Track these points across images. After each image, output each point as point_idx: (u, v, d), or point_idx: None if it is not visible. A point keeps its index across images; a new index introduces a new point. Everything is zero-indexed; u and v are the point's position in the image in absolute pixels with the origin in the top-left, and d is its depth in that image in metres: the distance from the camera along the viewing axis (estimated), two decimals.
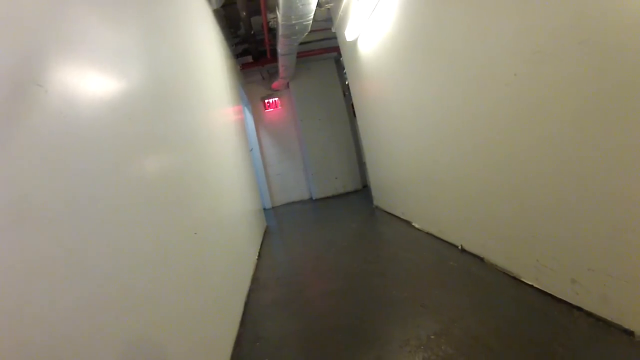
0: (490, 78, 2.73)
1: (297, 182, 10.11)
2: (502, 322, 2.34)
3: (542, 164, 2.39)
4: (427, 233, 4.54)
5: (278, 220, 7.92)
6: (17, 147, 0.86)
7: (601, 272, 2.06)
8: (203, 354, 1.95)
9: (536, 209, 2.52)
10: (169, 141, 2.04)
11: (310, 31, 6.04)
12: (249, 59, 8.55)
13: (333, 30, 7.12)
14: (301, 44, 7.53)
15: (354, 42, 6.07)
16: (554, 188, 2.31)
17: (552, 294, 2.46)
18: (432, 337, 2.32)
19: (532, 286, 2.64)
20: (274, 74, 9.33)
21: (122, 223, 1.27)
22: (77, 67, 1.16)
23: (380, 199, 6.76)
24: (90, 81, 1.21)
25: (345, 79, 9.05)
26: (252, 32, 6.85)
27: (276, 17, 5.44)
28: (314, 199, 9.78)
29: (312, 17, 5.12)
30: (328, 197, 9.53)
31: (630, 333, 1.92)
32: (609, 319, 2.05)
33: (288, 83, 9.54)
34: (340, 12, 6.20)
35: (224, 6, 5.33)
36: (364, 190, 9.46)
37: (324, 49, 8.98)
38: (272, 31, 6.94)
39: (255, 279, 4.03)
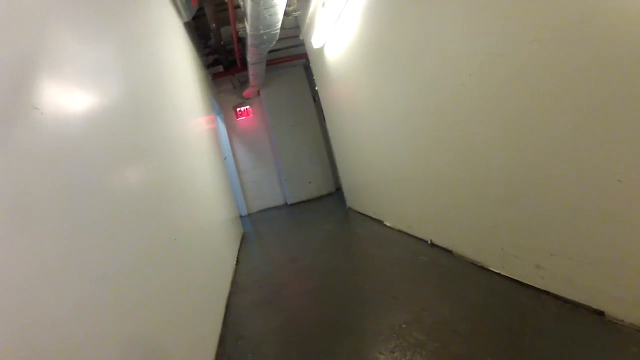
0: (447, 78, 2.95)
1: (271, 188, 10.22)
2: (471, 309, 2.53)
3: (498, 156, 2.60)
4: (398, 230, 4.73)
5: (254, 227, 8.02)
6: (17, 157, 0.97)
7: (564, 256, 2.24)
8: (190, 352, 2.06)
9: (497, 199, 2.73)
10: (148, 153, 2.14)
11: (279, 39, 6.19)
12: (220, 68, 8.67)
13: (301, 38, 7.30)
14: (270, 51, 7.67)
15: (321, 49, 6.26)
16: (512, 179, 2.52)
17: (519, 280, 2.65)
18: (404, 325, 2.48)
19: (499, 274, 2.83)
20: (244, 83, 9.43)
21: (111, 230, 1.38)
22: (65, 87, 1.27)
23: (353, 200, 6.96)
24: (75, 100, 1.32)
25: (315, 84, 9.23)
26: (222, 43, 6.97)
27: (245, 27, 5.57)
28: (288, 204, 9.90)
29: (279, 26, 5.27)
30: (302, 202, 9.68)
31: (600, 313, 2.06)
32: (577, 300, 2.21)
33: (259, 91, 9.65)
34: (307, 20, 6.38)
35: (194, 18, 5.44)
36: (337, 193, 9.65)
37: (293, 55, 9.15)
38: (242, 40, 7.06)
39: (234, 283, 4.14)
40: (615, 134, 1.76)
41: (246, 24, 5.25)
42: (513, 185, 2.52)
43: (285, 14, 5.20)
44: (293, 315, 3.15)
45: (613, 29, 1.67)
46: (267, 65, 7.88)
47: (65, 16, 1.41)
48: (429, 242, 3.90)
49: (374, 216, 5.75)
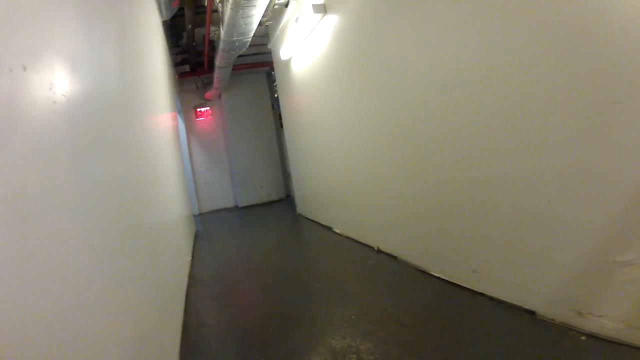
0: (405, 102, 3.33)
1: (223, 190, 10.32)
2: (413, 305, 2.86)
3: (444, 173, 2.98)
4: (347, 237, 5.03)
5: (207, 226, 8.12)
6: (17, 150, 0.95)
7: (498, 262, 2.60)
8: (161, 336, 2.20)
9: (440, 211, 3.10)
10: (121, 146, 2.11)
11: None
12: (187, 68, 8.76)
13: (269, 47, 7.52)
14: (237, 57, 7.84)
15: (288, 61, 6.53)
16: (454, 193, 2.90)
17: (458, 283, 2.98)
18: (354, 317, 2.76)
19: (439, 278, 3.16)
20: (208, 84, 9.51)
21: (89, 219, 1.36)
22: (44, 75, 1.19)
23: (304, 207, 7.24)
24: (54, 88, 1.23)
25: (275, 92, 9.47)
26: (194, 44, 7.10)
27: (218, 31, 5.76)
28: (239, 206, 10.03)
29: (252, 35, 5.51)
30: (253, 205, 9.85)
31: (532, 312, 2.37)
32: (510, 301, 2.53)
33: (221, 94, 9.76)
34: (277, 31, 6.63)
35: (172, 17, 5.57)
36: (287, 200, 9.92)
37: (258, 63, 9.36)
38: (212, 43, 7.22)
39: (191, 277, 4.28)
40: (545, 162, 2.16)
41: (221, 29, 5.44)
42: (454, 199, 2.90)
43: (259, 23, 5.44)
44: (250, 307, 3.37)
45: (559, 76, 2.07)
46: (232, 70, 8.05)
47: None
48: (376, 248, 4.21)
49: (323, 223, 6.03)
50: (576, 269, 2.10)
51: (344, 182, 5.00)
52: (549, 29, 2.04)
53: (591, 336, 2.02)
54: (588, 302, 2.06)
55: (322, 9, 4.55)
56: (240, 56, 7.77)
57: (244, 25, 4.99)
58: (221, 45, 5.87)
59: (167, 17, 5.05)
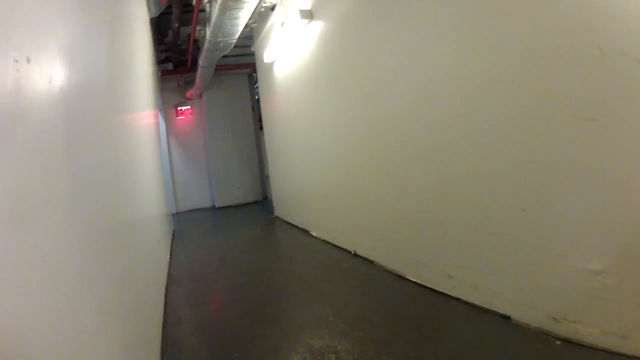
0: (382, 111, 3.44)
1: (201, 190, 10.29)
2: (388, 307, 2.94)
3: (420, 180, 3.08)
4: (324, 240, 5.10)
5: (184, 225, 8.09)
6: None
7: (473, 268, 2.70)
8: (142, 332, 2.21)
9: (416, 218, 3.19)
10: (108, 142, 2.11)
11: None
12: (170, 66, 8.71)
13: (252, 49, 7.55)
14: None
15: (271, 64, 6.58)
16: (430, 201, 3.00)
17: (432, 287, 3.07)
18: (331, 318, 2.81)
19: (415, 282, 3.25)
20: (189, 83, 9.47)
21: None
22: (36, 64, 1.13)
23: (280, 209, 7.29)
24: (43, 78, 1.18)
25: (256, 94, 9.49)
26: (179, 42, 7.08)
27: (204, 30, 5.77)
28: (216, 207, 10.01)
29: (237, 36, 5.54)
30: (230, 206, 9.84)
31: (507, 317, 2.46)
32: (485, 306, 2.62)
33: (202, 93, 9.73)
34: (262, 34, 6.68)
35: (159, 14, 5.58)
36: (264, 202, 9.94)
37: (240, 64, 9.37)
38: (197, 43, 7.22)
39: (169, 275, 4.28)
40: (519, 173, 2.28)
41: (207, 29, 5.46)
42: (430, 206, 3.01)
43: (245, 25, 5.47)
44: (227, 305, 3.40)
45: (527, 90, 2.19)
46: (215, 70, 8.04)
47: None
48: (353, 252, 4.29)
49: (300, 226, 6.09)
50: (551, 276, 2.20)
51: (321, 186, 5.08)
52: (522, 46, 2.17)
53: (566, 341, 2.10)
54: (563, 308, 2.15)
55: (309, 15, 4.62)
56: (223, 57, 7.80)
57: (230, 27, 5.02)
58: (206, 45, 5.89)
59: (155, 14, 5.06)
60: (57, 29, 1.37)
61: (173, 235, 6.71)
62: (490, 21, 2.34)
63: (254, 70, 8.40)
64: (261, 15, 6.22)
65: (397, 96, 3.19)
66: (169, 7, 5.49)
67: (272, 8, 5.73)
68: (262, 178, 10.14)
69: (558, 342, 2.11)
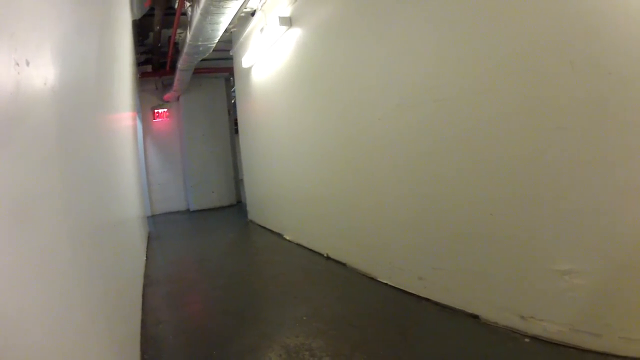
0: (360, 118, 3.55)
1: (176, 192, 10.22)
2: (361, 308, 3.04)
3: (394, 186, 3.21)
4: (298, 244, 5.19)
5: (160, 228, 8.04)
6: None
7: (443, 270, 2.82)
8: (123, 330, 2.24)
9: (390, 222, 3.31)
10: (93, 143, 2.11)
11: None
12: (149, 68, 8.68)
13: (231, 54, 7.59)
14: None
15: (249, 69, 6.65)
16: (403, 205, 3.12)
17: (404, 289, 3.18)
18: (305, 318, 2.90)
19: (386, 284, 3.35)
20: (168, 86, 9.42)
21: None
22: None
23: (255, 213, 7.34)
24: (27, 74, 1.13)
25: (232, 98, 9.50)
26: (159, 45, 7.08)
27: (184, 34, 5.80)
28: (191, 210, 9.98)
29: (217, 40, 5.59)
30: (205, 210, 9.84)
31: (475, 316, 2.57)
32: (454, 306, 2.73)
33: (179, 96, 9.70)
34: (241, 39, 6.73)
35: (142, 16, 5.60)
36: (238, 206, 9.99)
37: (218, 68, 9.38)
38: (177, 46, 7.22)
39: (147, 276, 4.28)
40: (489, 179, 2.42)
41: (188, 32, 5.50)
42: (403, 210, 3.13)
43: (225, 30, 5.52)
44: (204, 306, 3.45)
45: (502, 99, 2.33)
46: (193, 73, 8.05)
47: None
48: (325, 255, 4.39)
49: (274, 229, 6.16)
50: (519, 277, 2.31)
51: (296, 191, 5.17)
52: (498, 58, 2.31)
53: (535, 339, 2.21)
54: (530, 307, 2.26)
55: (288, 22, 4.71)
56: (202, 60, 7.81)
57: (210, 31, 5.07)
58: (186, 49, 5.91)
59: (138, 16, 5.07)
60: (51, 30, 1.39)
61: (149, 237, 6.68)
62: (468, 30, 2.47)
63: (232, 75, 8.44)
64: (241, 20, 6.27)
65: (377, 104, 3.30)
66: (152, 9, 5.51)
67: (253, 13, 5.80)
68: (237, 182, 10.17)
69: (527, 340, 2.23)
